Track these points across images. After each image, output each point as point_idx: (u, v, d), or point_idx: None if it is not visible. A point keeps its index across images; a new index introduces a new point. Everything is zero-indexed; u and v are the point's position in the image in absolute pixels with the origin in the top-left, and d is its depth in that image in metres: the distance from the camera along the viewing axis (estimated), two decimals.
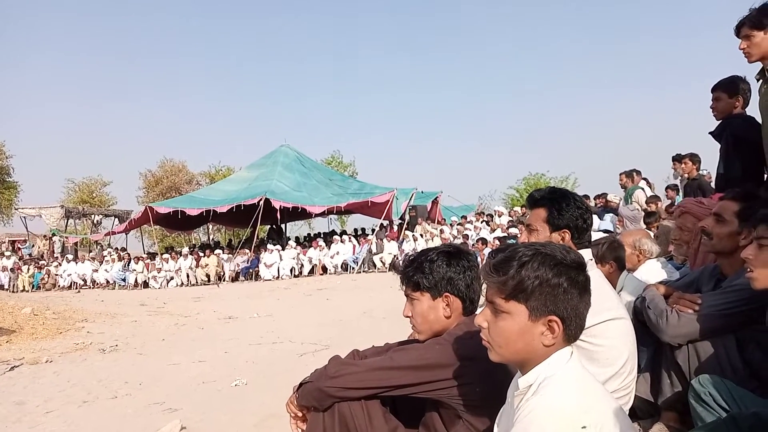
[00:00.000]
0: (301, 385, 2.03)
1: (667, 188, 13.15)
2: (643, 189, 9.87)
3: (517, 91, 75.00)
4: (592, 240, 2.78)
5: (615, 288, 3.10)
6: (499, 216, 18.23)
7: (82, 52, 70.71)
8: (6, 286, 20.30)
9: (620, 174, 10.40)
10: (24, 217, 27.02)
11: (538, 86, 75.44)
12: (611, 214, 10.84)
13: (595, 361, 1.95)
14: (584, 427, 1.21)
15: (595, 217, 9.87)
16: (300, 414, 2.03)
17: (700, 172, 7.48)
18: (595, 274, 2.11)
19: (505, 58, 77.02)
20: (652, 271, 3.51)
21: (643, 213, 8.35)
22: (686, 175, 7.62)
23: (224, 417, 4.41)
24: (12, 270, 21.37)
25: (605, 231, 5.15)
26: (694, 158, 7.39)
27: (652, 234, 4.74)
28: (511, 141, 72.08)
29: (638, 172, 10.38)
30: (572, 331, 1.35)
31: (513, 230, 14.63)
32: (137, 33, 72.82)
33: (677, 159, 8.44)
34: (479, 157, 73.65)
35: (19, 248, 26.03)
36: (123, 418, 4.57)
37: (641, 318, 2.38)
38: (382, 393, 1.89)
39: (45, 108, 70.06)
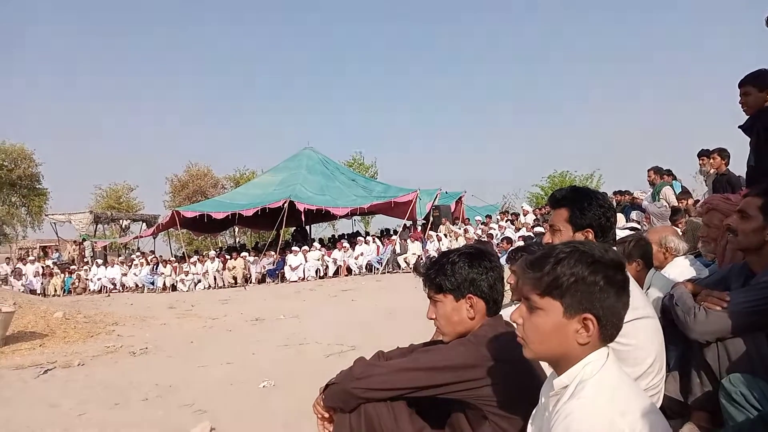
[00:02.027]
0: (327, 386, 2.05)
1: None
2: (671, 186, 9.72)
3: (541, 89, 74.40)
4: (618, 238, 2.76)
5: (642, 286, 3.07)
6: (525, 215, 18.09)
7: (107, 60, 72.04)
8: (38, 291, 20.71)
9: (648, 170, 10.25)
10: (54, 223, 27.59)
11: (562, 83, 74.71)
12: (637, 211, 10.70)
13: (623, 360, 1.93)
14: (621, 430, 1.21)
15: (621, 215, 9.76)
16: (327, 415, 2.04)
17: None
18: None
19: (529, 56, 76.46)
20: (680, 269, 3.45)
21: (670, 210, 8.23)
22: (714, 171, 7.49)
23: (253, 418, 4.45)
24: (43, 275, 21.84)
25: (631, 229, 5.08)
26: (723, 153, 7.26)
27: (679, 231, 4.66)
28: (535, 139, 71.46)
29: (670, 173, 10.21)
30: (608, 331, 1.35)
31: (538, 229, 14.51)
32: (162, 40, 73.97)
33: (705, 154, 8.30)
34: (503, 155, 73.24)
35: (50, 254, 26.62)
36: (154, 419, 4.63)
37: (669, 316, 2.35)
38: (407, 394, 1.90)
39: (72, 116, 71.49)
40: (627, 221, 9.81)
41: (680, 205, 8.37)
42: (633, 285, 2.11)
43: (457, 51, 77.13)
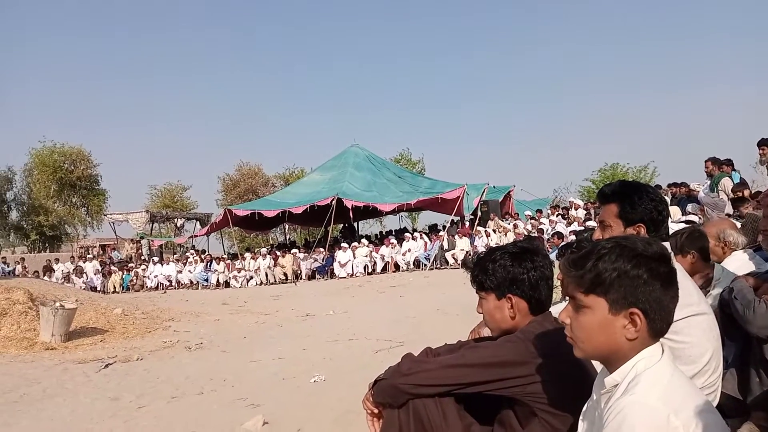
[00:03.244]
0: (375, 382, 2.06)
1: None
2: (730, 177, 9.35)
3: (591, 79, 72.63)
4: (672, 231, 2.68)
5: (705, 278, 2.98)
6: (576, 209, 17.69)
7: (161, 62, 74.22)
8: (98, 288, 21.51)
9: (706, 161, 9.89)
10: (112, 223, 28.58)
11: (614, 73, 72.74)
12: (693, 204, 10.34)
13: (678, 358, 1.88)
14: (676, 428, 1.19)
15: (676, 208, 9.45)
16: (376, 411, 2.05)
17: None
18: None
19: (579, 46, 74.77)
20: (739, 263, 3.32)
21: (727, 202, 7.91)
22: None
23: (304, 412, 4.52)
24: (103, 273, 22.69)
25: (687, 222, 4.92)
26: None
27: (738, 224, 4.49)
28: (587, 131, 69.89)
29: (729, 162, 9.82)
30: (657, 325, 1.32)
31: (590, 223, 14.18)
32: (213, 41, 75.67)
33: (765, 144, 7.95)
34: (553, 148, 71.91)
35: (109, 252, 27.65)
36: (209, 413, 4.77)
37: (728, 310, 2.28)
38: (455, 390, 1.89)
39: (127, 117, 74.04)
40: (683, 214, 9.50)
41: (736, 196, 8.05)
42: (687, 280, 2.06)
43: (504, 43, 76.12)
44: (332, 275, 19.38)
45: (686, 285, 2.00)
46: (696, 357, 1.91)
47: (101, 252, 28.95)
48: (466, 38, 78.40)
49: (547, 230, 15.98)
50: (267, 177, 40.49)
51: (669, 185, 13.42)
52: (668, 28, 70.61)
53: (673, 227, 3.67)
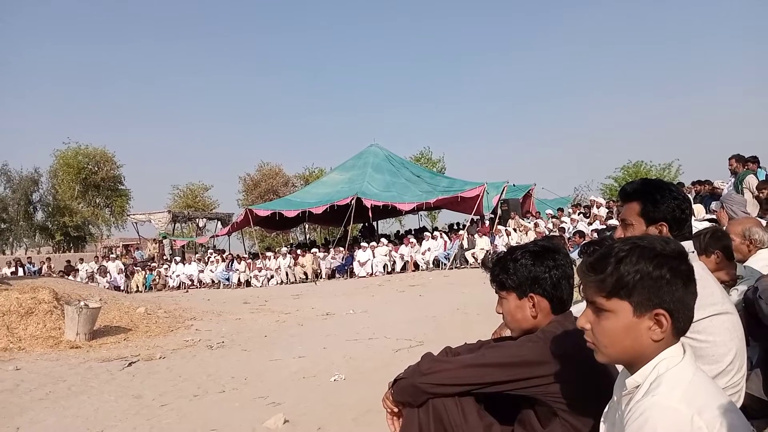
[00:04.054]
0: (395, 381, 2.07)
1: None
2: (755, 174, 9.18)
3: (615, 76, 71.81)
4: (695, 231, 2.65)
5: (729, 277, 2.94)
6: (597, 207, 17.51)
7: (181, 67, 75.01)
8: (122, 288, 21.81)
9: (730, 158, 9.72)
10: (135, 223, 29.00)
11: (638, 69, 71.83)
12: (716, 202, 10.17)
13: (701, 358, 1.86)
14: (700, 428, 1.17)
15: (700, 206, 9.31)
16: (396, 410, 2.06)
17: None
18: (698, 266, 2.00)
19: (602, 42, 73.97)
20: (765, 262, 3.27)
21: (750, 199, 7.76)
22: None
23: (324, 411, 4.54)
24: (126, 272, 23.01)
25: (710, 220, 4.84)
26: None
27: (763, 222, 4.40)
28: (608, 128, 69.12)
29: (754, 160, 9.65)
30: (681, 324, 1.31)
31: (612, 222, 14.03)
32: (235, 42, 76.31)
33: None
34: (574, 146, 71.25)
35: (132, 252, 28.04)
36: (231, 411, 4.81)
37: (752, 310, 2.24)
38: (474, 390, 1.89)
39: (149, 118, 74.98)
40: (707, 212, 9.35)
41: (761, 194, 7.89)
42: (710, 279, 2.03)
43: (526, 41, 75.60)
44: (352, 274, 19.44)
45: (710, 284, 1.98)
46: (719, 356, 1.89)
47: (124, 252, 29.35)
48: (488, 36, 78.01)
49: (569, 229, 15.85)
50: (287, 177, 40.75)
51: (693, 183, 13.23)
52: (694, 24, 69.53)
53: (697, 226, 3.62)
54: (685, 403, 1.21)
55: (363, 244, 20.05)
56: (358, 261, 19.29)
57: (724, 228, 3.45)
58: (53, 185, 37.19)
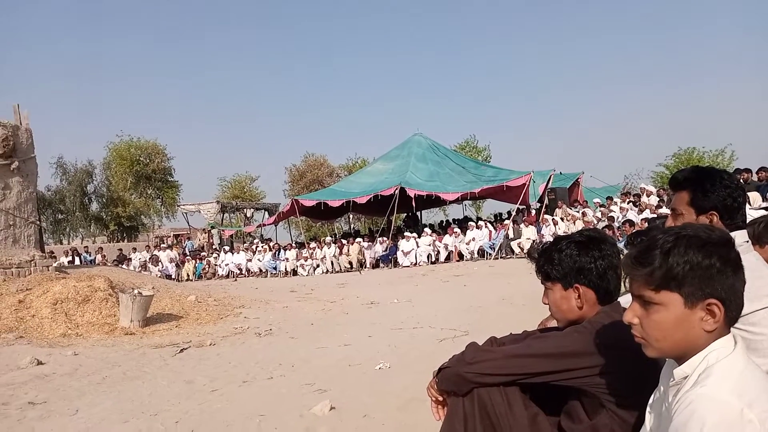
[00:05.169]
0: (440, 370, 2.08)
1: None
2: None
3: (666, 61, 69.43)
4: (750, 219, 2.56)
5: None
6: (648, 195, 17.02)
7: (227, 61, 76.24)
8: (173, 276, 22.39)
9: None
10: (185, 213, 29.72)
11: (689, 55, 69.25)
12: None
13: (754, 351, 1.80)
14: (750, 421, 1.14)
15: (756, 194, 8.97)
16: (440, 398, 2.07)
17: None
18: (752, 256, 1.94)
19: (652, 29, 71.56)
20: None
21: None
22: None
23: (369, 399, 4.59)
24: (177, 262, 23.64)
25: (767, 209, 4.65)
26: None
27: None
28: (660, 114, 66.95)
29: None
30: (733, 312, 1.28)
31: (663, 210, 13.63)
32: (279, 39, 77.08)
33: None
34: (624, 133, 69.36)
35: (183, 242, 28.78)
36: (278, 397, 4.90)
37: None
38: (519, 380, 1.89)
39: (199, 113, 76.62)
40: (764, 200, 8.99)
41: None
42: (765, 269, 1.97)
43: (574, 28, 73.76)
44: (396, 264, 19.47)
45: (764, 274, 1.92)
46: None
47: (175, 241, 30.17)
48: (536, 23, 76.51)
49: (618, 218, 15.49)
50: (332, 167, 41.02)
51: (759, 170, 12.57)
52: (744, 7, 66.50)
53: (753, 214, 3.49)
54: (735, 396, 1.17)
55: (407, 233, 20.06)
56: (402, 251, 19.29)
57: None
58: (107, 177, 38.44)
